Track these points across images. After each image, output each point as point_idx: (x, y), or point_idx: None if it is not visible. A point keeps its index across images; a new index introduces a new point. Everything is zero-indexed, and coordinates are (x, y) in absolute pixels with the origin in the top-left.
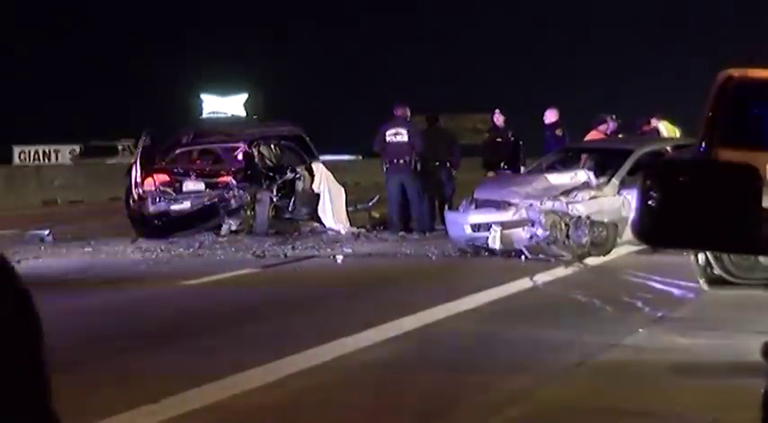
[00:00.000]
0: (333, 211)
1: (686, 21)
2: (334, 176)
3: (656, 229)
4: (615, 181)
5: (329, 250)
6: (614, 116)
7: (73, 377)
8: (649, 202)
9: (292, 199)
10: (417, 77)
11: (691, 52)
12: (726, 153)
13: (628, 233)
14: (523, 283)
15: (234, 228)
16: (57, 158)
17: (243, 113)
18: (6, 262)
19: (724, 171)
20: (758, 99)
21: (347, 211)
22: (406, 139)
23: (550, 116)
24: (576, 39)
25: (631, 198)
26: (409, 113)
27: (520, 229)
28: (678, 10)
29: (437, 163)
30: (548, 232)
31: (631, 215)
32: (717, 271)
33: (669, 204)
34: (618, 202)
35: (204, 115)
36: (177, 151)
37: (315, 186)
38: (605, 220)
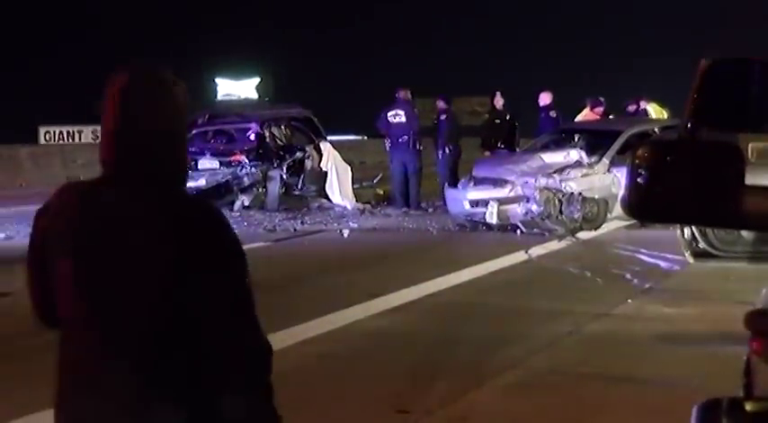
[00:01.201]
0: (339, 188)
1: (682, 15)
2: (340, 155)
3: (644, 205)
4: (606, 160)
5: (336, 225)
6: (602, 99)
7: None
8: (638, 180)
9: (301, 176)
10: (419, 61)
11: (683, 36)
12: (710, 134)
13: (617, 209)
14: (519, 256)
15: (246, 203)
16: (80, 138)
17: (255, 96)
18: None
19: (709, 150)
20: (741, 82)
21: (353, 188)
22: (404, 120)
23: (545, 98)
24: (575, 24)
25: (621, 176)
26: (410, 96)
27: (516, 205)
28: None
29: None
30: (542, 208)
31: (621, 192)
32: (701, 244)
33: (656, 181)
34: (608, 180)
35: (219, 98)
36: (193, 131)
37: (322, 165)
38: (596, 196)
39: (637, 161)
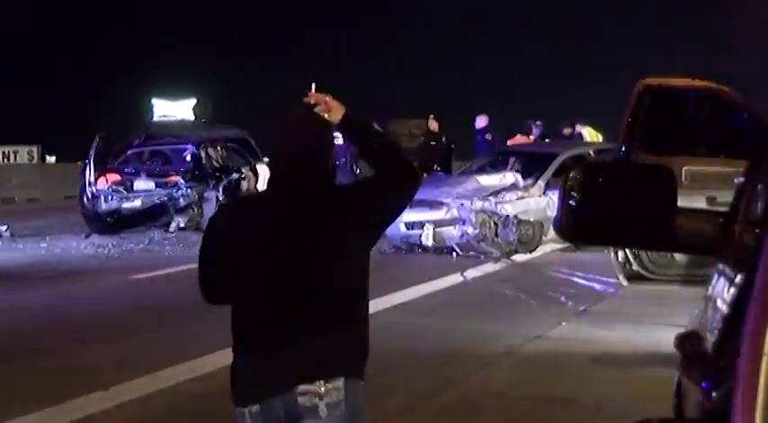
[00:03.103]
0: None
1: (614, 35)
2: None
3: (577, 228)
4: (541, 182)
5: None
6: (539, 122)
7: (29, 365)
8: (571, 202)
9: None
10: (356, 84)
11: (617, 63)
12: (644, 157)
13: (552, 231)
14: (454, 279)
15: (182, 225)
16: (15, 159)
17: (192, 117)
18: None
19: (641, 173)
20: (673, 106)
21: None
22: (341, 141)
23: (480, 122)
24: (514, 48)
25: (556, 198)
26: None
27: (451, 228)
28: (605, 24)
29: None
30: (477, 230)
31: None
32: (635, 267)
33: (589, 204)
34: (543, 203)
35: (155, 118)
36: (129, 152)
37: (259, 186)
38: (531, 219)
39: (569, 184)
